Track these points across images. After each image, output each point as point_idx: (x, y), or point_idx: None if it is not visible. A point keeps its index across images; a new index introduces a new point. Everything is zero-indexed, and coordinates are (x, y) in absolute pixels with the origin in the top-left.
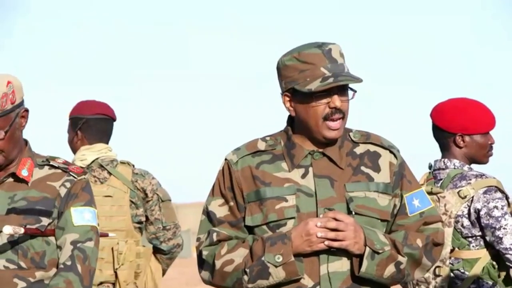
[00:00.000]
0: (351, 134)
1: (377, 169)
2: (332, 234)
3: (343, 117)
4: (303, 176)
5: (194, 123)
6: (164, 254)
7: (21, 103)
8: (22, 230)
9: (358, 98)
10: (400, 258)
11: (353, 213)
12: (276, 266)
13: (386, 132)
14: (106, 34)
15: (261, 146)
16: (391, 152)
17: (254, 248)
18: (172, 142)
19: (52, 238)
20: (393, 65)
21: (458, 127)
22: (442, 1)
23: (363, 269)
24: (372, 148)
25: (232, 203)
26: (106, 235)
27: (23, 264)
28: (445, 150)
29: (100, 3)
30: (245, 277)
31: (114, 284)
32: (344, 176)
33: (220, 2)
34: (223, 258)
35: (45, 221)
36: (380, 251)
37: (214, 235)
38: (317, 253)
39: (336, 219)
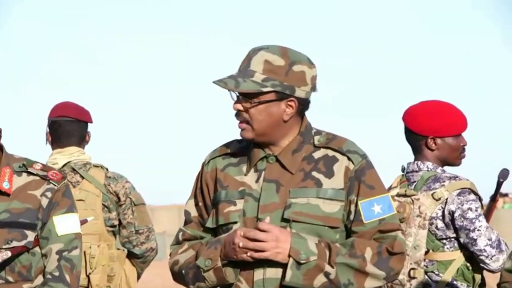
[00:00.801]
0: (316, 137)
1: (330, 174)
2: (251, 245)
3: (247, 122)
4: (257, 180)
5: (170, 125)
6: (137, 258)
7: None
8: (9, 254)
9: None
10: (327, 268)
11: (291, 220)
12: (205, 271)
13: (386, 132)
14: (105, 34)
15: (233, 148)
16: (348, 158)
17: (199, 250)
18: (148, 145)
19: (37, 248)
20: (394, 65)
21: (430, 130)
22: None
23: (287, 278)
24: (331, 153)
25: (201, 204)
26: (85, 222)
27: (10, 279)
28: (418, 153)
29: (99, 3)
30: (185, 278)
31: (87, 287)
32: (293, 181)
33: (221, 3)
34: (174, 258)
35: (30, 235)
36: (303, 261)
37: (180, 234)
38: (253, 259)
39: (260, 230)
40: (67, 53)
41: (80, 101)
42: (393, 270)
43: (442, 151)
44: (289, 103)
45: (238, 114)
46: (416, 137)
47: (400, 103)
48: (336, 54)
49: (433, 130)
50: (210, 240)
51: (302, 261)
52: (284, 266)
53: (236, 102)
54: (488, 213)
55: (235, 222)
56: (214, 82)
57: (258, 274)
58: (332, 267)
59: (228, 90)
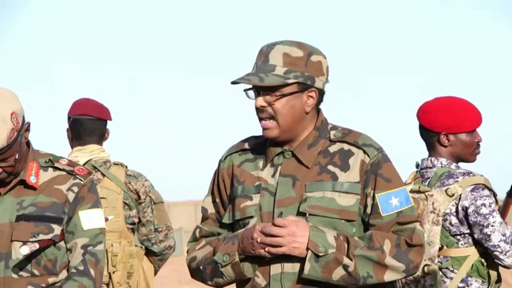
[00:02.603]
0: (332, 132)
1: (345, 168)
2: (268, 240)
3: (272, 117)
4: (273, 175)
5: (187, 121)
6: (155, 256)
7: (23, 121)
8: (37, 246)
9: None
10: (346, 261)
11: (307, 214)
12: (222, 266)
13: (386, 132)
14: (103, 34)
15: (249, 144)
16: (364, 151)
17: (217, 246)
18: (165, 141)
19: (62, 243)
20: (395, 64)
21: (442, 126)
22: None
23: (305, 271)
24: (347, 146)
25: (218, 200)
26: (106, 220)
27: (36, 272)
28: (431, 149)
29: (98, 4)
30: (203, 275)
31: (107, 284)
32: (309, 175)
33: (221, 3)
34: (191, 254)
35: (57, 229)
36: (322, 254)
37: (197, 231)
38: (270, 254)
39: (275, 225)
40: (67, 53)
41: (101, 96)
42: (412, 263)
43: (455, 148)
44: (310, 94)
45: (261, 111)
46: (429, 133)
47: (401, 103)
48: (336, 54)
49: (445, 126)
50: (227, 236)
51: (320, 254)
52: (301, 260)
53: (257, 98)
54: (504, 208)
55: (251, 217)
56: (236, 81)
57: (276, 268)
58: (351, 259)
59: (244, 90)
